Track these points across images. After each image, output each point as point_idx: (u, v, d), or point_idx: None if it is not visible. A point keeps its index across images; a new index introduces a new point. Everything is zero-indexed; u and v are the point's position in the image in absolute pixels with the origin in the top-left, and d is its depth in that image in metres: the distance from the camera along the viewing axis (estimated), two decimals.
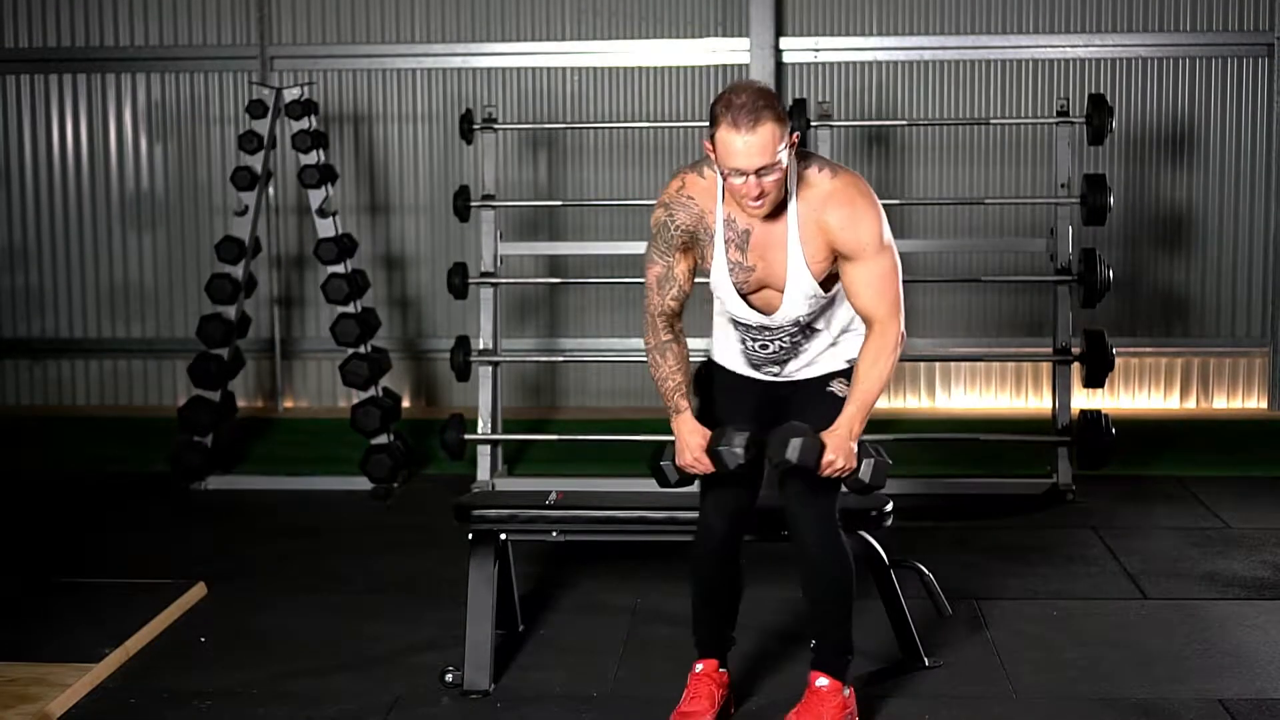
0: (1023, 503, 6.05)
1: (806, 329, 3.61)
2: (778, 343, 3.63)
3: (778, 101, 3.33)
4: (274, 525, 5.92)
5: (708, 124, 3.39)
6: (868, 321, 3.51)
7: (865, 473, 3.50)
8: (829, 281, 3.54)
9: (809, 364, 3.67)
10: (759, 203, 3.36)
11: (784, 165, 3.34)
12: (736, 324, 3.65)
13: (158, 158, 7.98)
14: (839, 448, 3.46)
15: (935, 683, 4.06)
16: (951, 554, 5.26)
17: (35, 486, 6.58)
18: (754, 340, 3.64)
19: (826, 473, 3.48)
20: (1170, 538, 5.52)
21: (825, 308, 3.59)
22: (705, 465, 3.56)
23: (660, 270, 3.59)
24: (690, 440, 3.58)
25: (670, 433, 3.66)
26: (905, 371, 7.74)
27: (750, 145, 3.28)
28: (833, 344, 3.67)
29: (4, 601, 4.70)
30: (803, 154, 3.50)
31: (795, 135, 3.40)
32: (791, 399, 3.69)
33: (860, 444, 3.52)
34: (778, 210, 3.44)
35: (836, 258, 3.49)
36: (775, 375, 3.70)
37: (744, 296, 3.56)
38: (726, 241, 3.50)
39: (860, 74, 7.72)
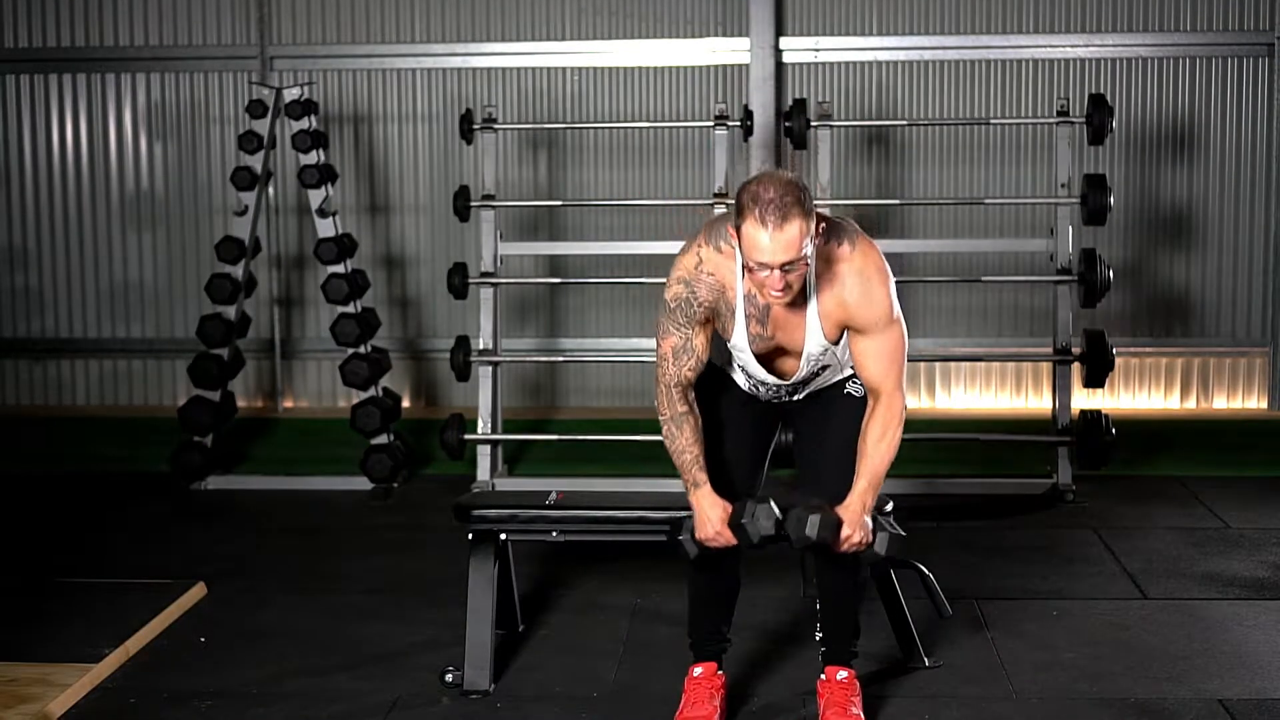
0: (1023, 503, 6.05)
1: (817, 370, 3.63)
2: (789, 390, 3.67)
3: (806, 194, 3.28)
4: (274, 525, 5.93)
5: (734, 211, 3.32)
6: (874, 393, 3.53)
7: (880, 546, 3.54)
8: (837, 339, 3.56)
9: (819, 385, 3.71)
10: (782, 294, 3.34)
11: (809, 259, 3.33)
12: (748, 377, 3.66)
13: (158, 158, 7.98)
14: (854, 522, 3.48)
15: (935, 683, 4.06)
16: (951, 554, 5.26)
17: (35, 486, 6.59)
18: (766, 389, 3.68)
19: (844, 549, 3.49)
20: (1170, 538, 5.52)
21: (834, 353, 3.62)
22: (727, 538, 3.54)
23: (677, 342, 3.54)
24: (711, 514, 3.56)
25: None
26: (906, 371, 7.71)
27: (777, 243, 3.24)
28: (841, 367, 3.69)
29: (4, 601, 4.70)
30: (821, 225, 3.44)
31: (821, 224, 3.38)
32: (809, 404, 3.72)
33: (873, 517, 3.54)
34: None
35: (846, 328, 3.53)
36: (785, 399, 3.74)
37: (759, 359, 3.57)
38: (748, 316, 3.50)
39: (860, 74, 7.72)
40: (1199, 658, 4.23)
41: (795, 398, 3.72)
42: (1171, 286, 7.77)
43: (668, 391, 3.57)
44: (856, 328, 3.49)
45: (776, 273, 3.28)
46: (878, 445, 3.50)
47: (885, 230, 7.57)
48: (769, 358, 3.59)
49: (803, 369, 3.58)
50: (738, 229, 3.31)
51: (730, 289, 3.49)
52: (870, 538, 3.52)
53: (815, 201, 3.39)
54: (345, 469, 6.57)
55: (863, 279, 3.45)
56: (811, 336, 3.50)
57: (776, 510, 3.47)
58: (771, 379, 3.62)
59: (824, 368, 3.63)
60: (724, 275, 3.48)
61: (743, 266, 3.39)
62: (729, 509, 3.54)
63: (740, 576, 3.81)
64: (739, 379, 3.72)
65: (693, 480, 3.57)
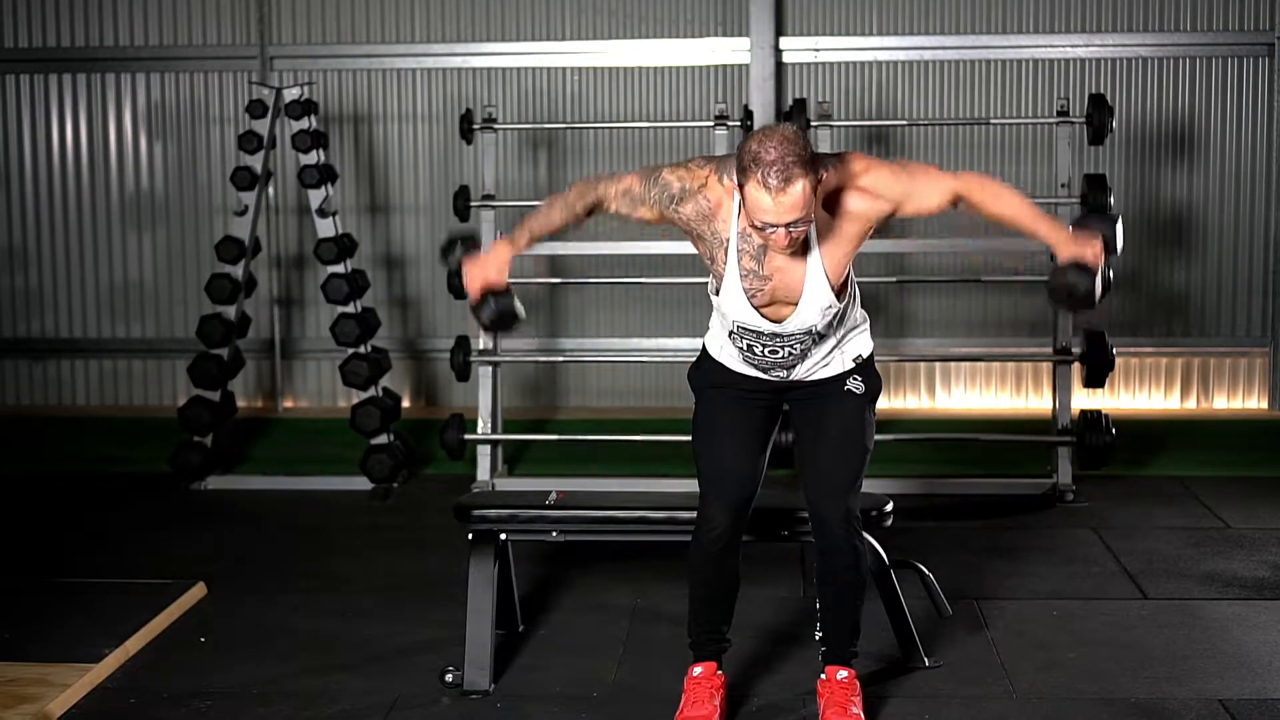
0: (1023, 503, 6.05)
1: (817, 335, 3.60)
2: (787, 349, 3.60)
3: (806, 146, 3.26)
4: (274, 525, 5.93)
5: (735, 169, 3.32)
6: (961, 201, 3.51)
7: (1109, 241, 3.51)
8: (841, 291, 3.54)
9: (818, 365, 3.66)
10: (789, 247, 3.34)
11: (813, 216, 3.32)
12: (744, 331, 3.59)
13: (158, 158, 7.98)
14: (1070, 247, 3.46)
15: (935, 683, 4.06)
16: (951, 554, 5.26)
17: (35, 486, 6.59)
18: (763, 346, 3.60)
19: (1100, 260, 3.45)
20: (1170, 538, 5.52)
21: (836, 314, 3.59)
22: (473, 293, 3.61)
23: (636, 192, 3.52)
24: (489, 265, 3.61)
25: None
26: (905, 371, 7.74)
27: (782, 205, 3.23)
28: (839, 344, 3.67)
29: (4, 601, 4.70)
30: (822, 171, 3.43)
31: (823, 173, 3.37)
32: (808, 402, 3.70)
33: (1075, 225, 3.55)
34: None
35: (882, 227, 3.55)
36: (783, 378, 3.69)
37: (752, 304, 3.53)
38: (740, 252, 3.48)
39: (860, 74, 7.73)
40: (1199, 658, 4.23)
41: (795, 373, 3.66)
42: (1171, 286, 7.77)
43: (587, 189, 3.59)
44: (892, 211, 3.49)
45: (782, 230, 3.28)
46: (1011, 206, 3.50)
47: (885, 230, 7.54)
48: (762, 308, 3.55)
49: (799, 314, 3.51)
50: (740, 186, 3.30)
51: (723, 222, 3.47)
52: (1095, 236, 3.47)
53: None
54: (345, 469, 6.57)
55: (856, 187, 3.44)
56: (812, 283, 3.46)
57: (516, 308, 3.59)
58: (764, 325, 3.54)
59: (820, 336, 3.57)
60: (720, 208, 3.47)
61: (739, 201, 3.38)
62: (499, 273, 3.60)
63: (740, 576, 3.81)
64: (738, 363, 3.69)
65: (511, 234, 3.66)
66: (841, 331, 3.64)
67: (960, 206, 3.54)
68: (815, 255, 3.45)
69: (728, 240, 3.47)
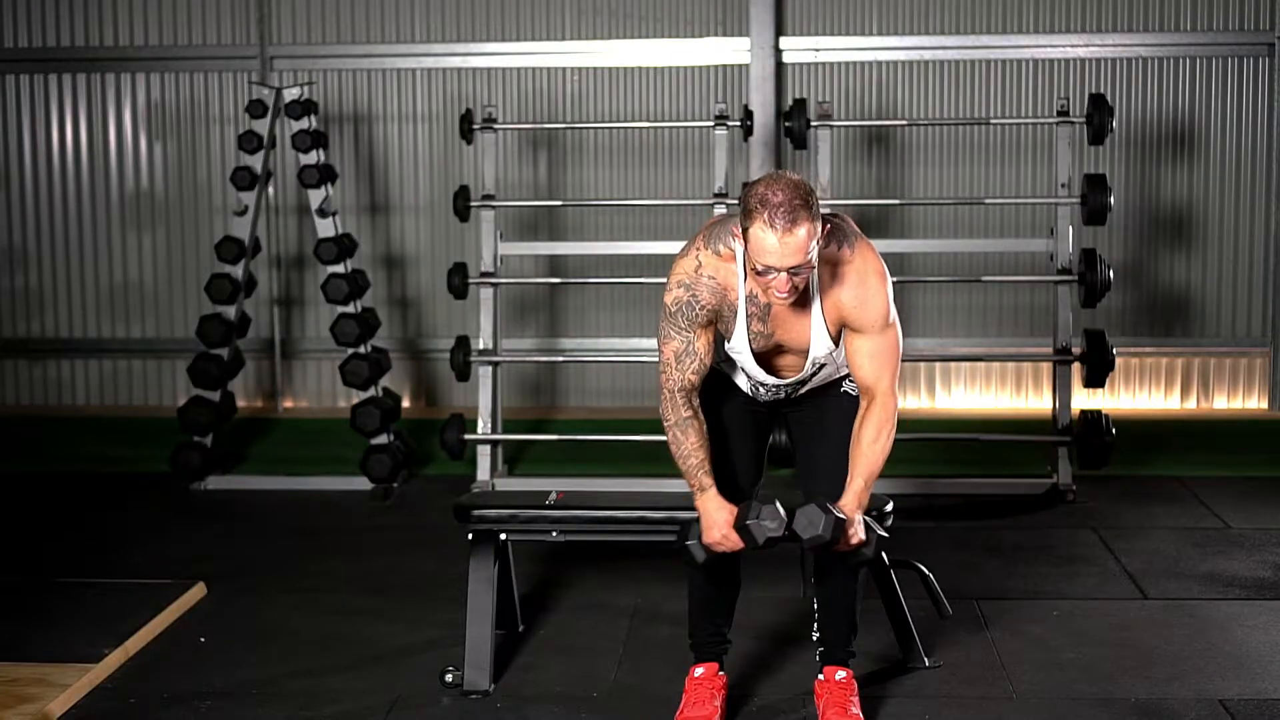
0: (1023, 503, 6.05)
1: (818, 368, 3.63)
2: (788, 390, 3.67)
3: (813, 196, 3.29)
4: (274, 525, 5.93)
5: (741, 212, 3.32)
6: (867, 393, 3.53)
7: (870, 549, 3.55)
8: (838, 338, 3.57)
9: (815, 382, 3.71)
10: (788, 296, 3.35)
11: (815, 261, 3.34)
12: (746, 374, 3.66)
13: (158, 158, 7.98)
14: (851, 521, 3.49)
15: (935, 683, 4.06)
16: (951, 554, 5.26)
17: (35, 486, 6.59)
18: (766, 390, 3.68)
19: (842, 548, 3.50)
20: (1170, 538, 5.52)
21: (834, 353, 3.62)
22: (734, 542, 3.53)
23: (679, 345, 3.53)
24: (718, 518, 3.54)
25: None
26: (905, 371, 7.73)
27: (786, 246, 3.25)
28: (835, 363, 3.69)
29: (4, 601, 4.70)
30: (825, 226, 3.44)
31: (827, 226, 3.39)
32: (806, 405, 3.73)
33: (864, 519, 3.54)
34: None
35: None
36: (781, 399, 3.74)
37: (758, 355, 3.57)
38: (749, 316, 3.50)
39: (860, 74, 7.72)
40: (1199, 658, 4.23)
41: (793, 396, 3.72)
42: (1171, 286, 7.77)
43: (671, 397, 3.55)
44: (854, 328, 3.50)
45: (783, 275, 3.29)
46: (872, 446, 3.50)
47: (885, 230, 7.57)
48: (768, 357, 3.59)
49: (806, 369, 3.58)
50: (744, 230, 3.31)
51: (732, 290, 3.49)
52: (865, 537, 3.52)
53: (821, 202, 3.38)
54: (345, 469, 6.57)
55: (862, 280, 3.47)
56: (816, 337, 3.51)
57: (782, 511, 3.47)
58: (771, 379, 3.62)
59: (822, 367, 3.64)
60: (725, 278, 3.49)
61: (746, 267, 3.40)
62: (734, 512, 3.54)
63: (740, 577, 3.81)
64: (739, 381, 3.72)
65: (699, 485, 3.56)
66: (838, 354, 3.65)
67: (862, 395, 3.53)
68: (817, 312, 3.49)
69: (737, 306, 3.50)
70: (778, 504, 3.49)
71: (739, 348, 3.55)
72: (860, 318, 3.48)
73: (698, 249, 3.51)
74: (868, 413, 3.52)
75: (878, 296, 3.48)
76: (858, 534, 3.49)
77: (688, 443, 3.55)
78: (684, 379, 3.55)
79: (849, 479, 3.51)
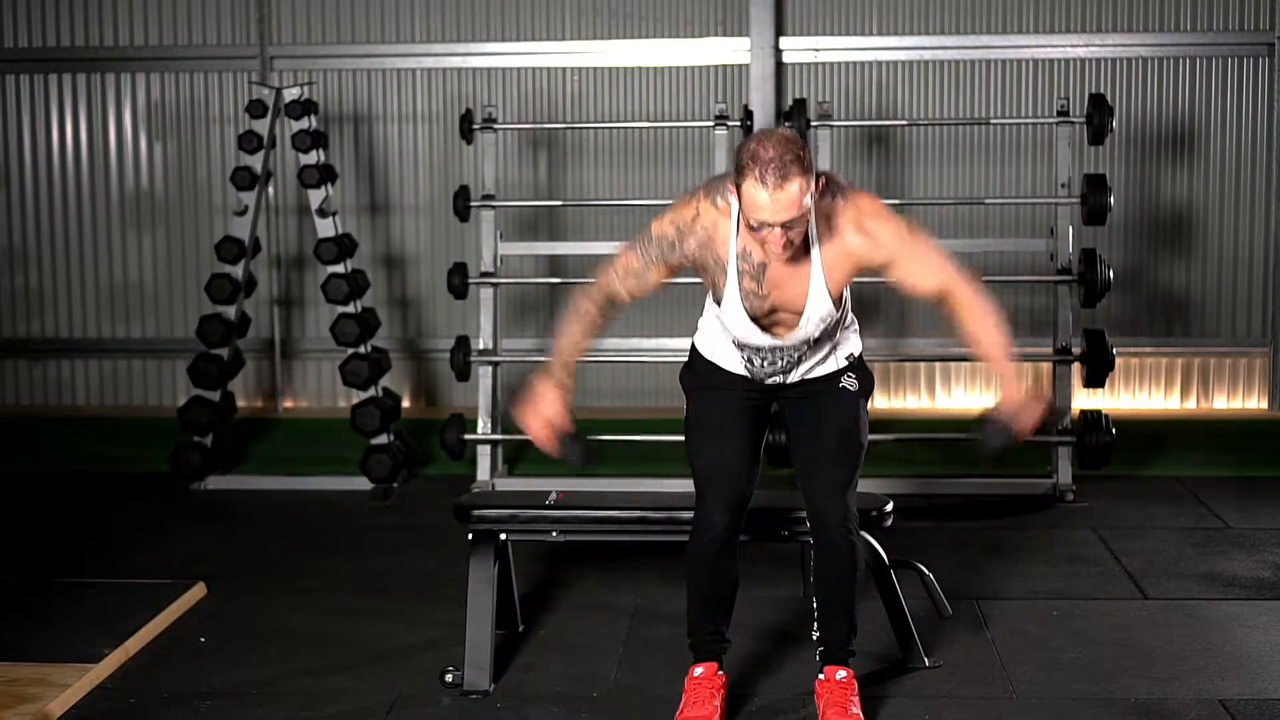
0: (1023, 503, 6.05)
1: (814, 341, 3.62)
2: (785, 358, 3.65)
3: (805, 150, 3.29)
4: (274, 525, 5.93)
5: (734, 169, 3.33)
6: (945, 299, 3.52)
7: (1058, 406, 3.60)
8: (839, 300, 3.57)
9: (813, 367, 3.69)
10: (784, 252, 3.35)
11: (810, 216, 3.34)
12: (743, 346, 3.65)
13: (158, 158, 7.98)
14: (1018, 403, 3.52)
15: (935, 683, 4.06)
16: (951, 554, 5.26)
17: (35, 486, 6.59)
18: (761, 358, 3.65)
19: (1032, 430, 3.53)
20: (1170, 538, 5.52)
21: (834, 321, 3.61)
22: (537, 431, 3.58)
23: (636, 264, 3.55)
24: (541, 401, 3.59)
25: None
26: (905, 371, 7.73)
27: (778, 202, 3.25)
28: (833, 348, 3.69)
29: (4, 601, 4.70)
30: (820, 181, 3.44)
31: (821, 180, 3.39)
32: (803, 401, 3.72)
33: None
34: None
35: (868, 274, 3.55)
36: (779, 382, 3.71)
37: (754, 320, 3.56)
38: (740, 273, 3.49)
39: (860, 74, 7.72)
40: (1199, 658, 4.23)
41: (790, 379, 3.69)
42: (1171, 286, 7.77)
43: (593, 291, 3.60)
44: (880, 263, 3.49)
45: (778, 230, 3.29)
46: (986, 330, 3.52)
47: None
48: (763, 321, 3.57)
49: (801, 329, 3.55)
50: (738, 186, 3.32)
51: (722, 245, 3.48)
52: (1043, 402, 3.53)
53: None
54: (345, 469, 6.57)
55: (859, 224, 3.46)
56: (814, 293, 3.48)
57: (580, 456, 3.56)
58: (766, 340, 3.59)
59: (816, 342, 3.61)
60: (717, 231, 3.48)
61: (740, 223, 3.40)
62: (559, 411, 3.58)
63: (739, 576, 3.81)
64: (731, 364, 3.70)
65: (550, 371, 3.62)
66: (836, 334, 3.65)
67: (943, 306, 3.54)
68: (817, 265, 3.47)
69: (727, 263, 3.49)
70: (584, 446, 3.60)
71: (730, 307, 3.53)
72: (879, 253, 3.47)
73: (698, 198, 3.52)
74: (959, 313, 3.52)
75: (884, 225, 3.47)
76: (1031, 414, 3.49)
77: (571, 333, 3.63)
78: (614, 287, 3.58)
79: (998, 368, 3.55)
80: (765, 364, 3.66)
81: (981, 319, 3.53)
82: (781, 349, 3.61)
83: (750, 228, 3.34)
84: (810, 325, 3.55)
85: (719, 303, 3.57)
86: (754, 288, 3.50)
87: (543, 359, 7.77)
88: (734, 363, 3.71)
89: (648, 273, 3.55)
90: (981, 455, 3.54)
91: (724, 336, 3.68)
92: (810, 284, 3.48)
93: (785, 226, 3.29)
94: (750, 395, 3.74)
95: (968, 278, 3.54)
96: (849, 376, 3.70)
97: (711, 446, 3.69)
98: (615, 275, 3.58)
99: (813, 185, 3.31)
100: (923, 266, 3.51)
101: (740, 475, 3.69)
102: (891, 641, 4.20)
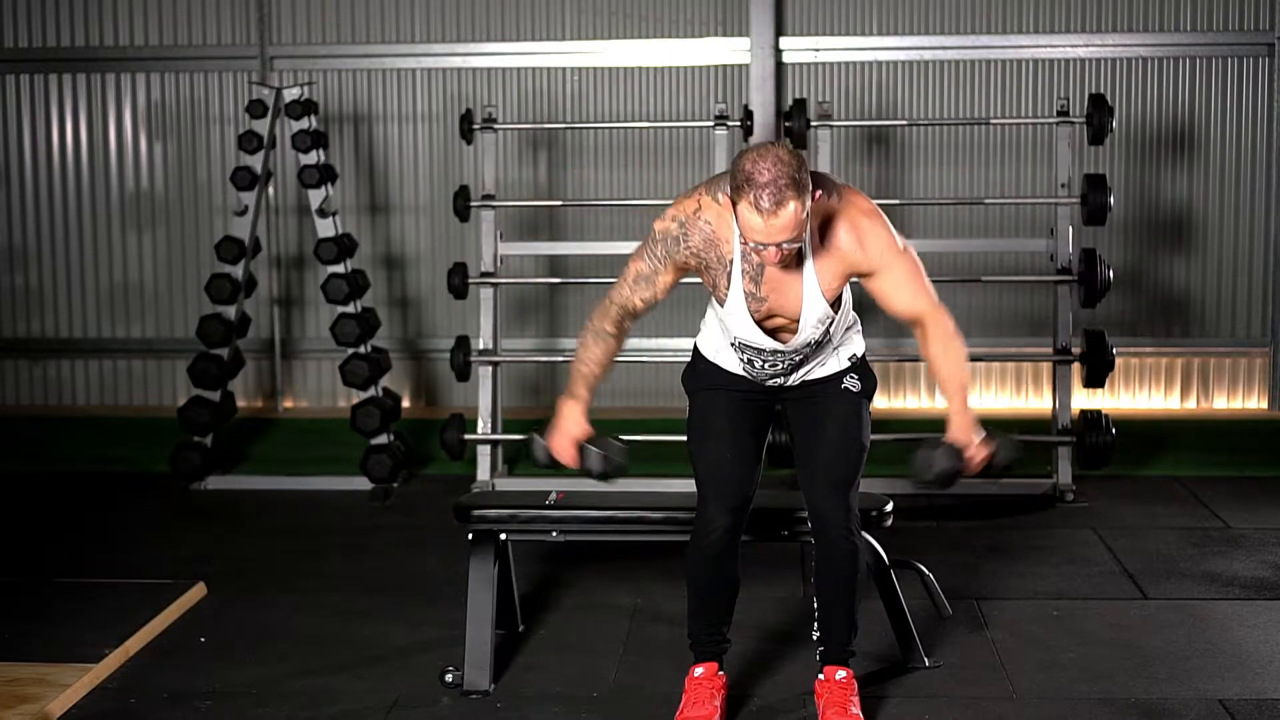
0: (1023, 503, 6.05)
1: (815, 344, 3.61)
2: (787, 361, 3.64)
3: (802, 169, 3.25)
4: (274, 525, 5.92)
5: (730, 186, 3.30)
6: (915, 321, 3.51)
7: (1004, 450, 3.52)
8: (837, 301, 3.56)
9: (815, 367, 3.69)
10: (779, 263, 3.35)
11: (806, 232, 3.32)
12: (744, 347, 3.63)
13: (158, 158, 7.99)
14: (968, 439, 3.48)
15: (935, 683, 4.06)
16: (951, 554, 5.26)
17: (35, 486, 6.59)
18: (761, 360, 3.64)
19: (974, 467, 3.47)
20: (1170, 538, 5.52)
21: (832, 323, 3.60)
22: (569, 457, 3.56)
23: (645, 269, 3.53)
24: (568, 425, 3.58)
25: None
26: (905, 371, 7.73)
27: (773, 226, 3.23)
28: (835, 348, 3.69)
29: (4, 601, 4.70)
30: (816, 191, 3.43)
31: (817, 193, 3.37)
32: (806, 401, 3.72)
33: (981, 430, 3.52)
34: None
35: (853, 278, 3.52)
36: (780, 383, 3.71)
37: (756, 322, 3.55)
38: (743, 274, 3.48)
39: (860, 74, 7.73)
40: (1199, 658, 4.23)
41: (792, 380, 3.69)
42: (1171, 286, 7.77)
43: (608, 308, 3.58)
44: (865, 271, 3.47)
45: (774, 248, 3.28)
46: (946, 358, 3.48)
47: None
48: (763, 324, 3.56)
49: (801, 331, 3.54)
50: (733, 204, 3.30)
51: (726, 243, 3.46)
52: (990, 446, 3.49)
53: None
54: (345, 469, 6.57)
55: (852, 224, 3.45)
56: (809, 299, 3.47)
57: (614, 460, 3.51)
58: (768, 343, 3.57)
59: (818, 345, 3.61)
60: (721, 228, 3.46)
61: (739, 239, 3.39)
62: (588, 433, 3.57)
63: (739, 576, 3.81)
64: (733, 365, 3.70)
65: (571, 390, 3.59)
66: (839, 335, 3.65)
67: (914, 329, 3.53)
68: (810, 271, 3.46)
69: (731, 262, 3.48)
70: (612, 445, 3.53)
71: (734, 308, 3.52)
72: (865, 259, 3.45)
73: (700, 194, 3.49)
74: (927, 338, 3.50)
75: (874, 231, 3.45)
76: (979, 450, 3.46)
77: (591, 353, 3.60)
78: (630, 300, 3.56)
79: (949, 399, 3.49)
80: (766, 366, 3.65)
81: (949, 352, 3.50)
82: (782, 352, 3.60)
83: (744, 243, 3.33)
84: (808, 329, 3.54)
85: (721, 304, 3.56)
86: (753, 289, 3.50)
87: (542, 359, 7.81)
88: (735, 364, 3.71)
89: (658, 276, 3.53)
90: (923, 483, 3.47)
91: (725, 338, 3.68)
92: (804, 286, 3.47)
93: (781, 246, 3.28)
94: (753, 396, 3.73)
95: (943, 308, 3.51)
96: (851, 377, 3.69)
97: (713, 448, 3.68)
98: (627, 286, 3.56)
99: (810, 201, 3.28)
100: (904, 286, 3.49)
101: (742, 477, 3.68)
102: (891, 641, 4.20)
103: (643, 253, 3.54)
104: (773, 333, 3.58)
